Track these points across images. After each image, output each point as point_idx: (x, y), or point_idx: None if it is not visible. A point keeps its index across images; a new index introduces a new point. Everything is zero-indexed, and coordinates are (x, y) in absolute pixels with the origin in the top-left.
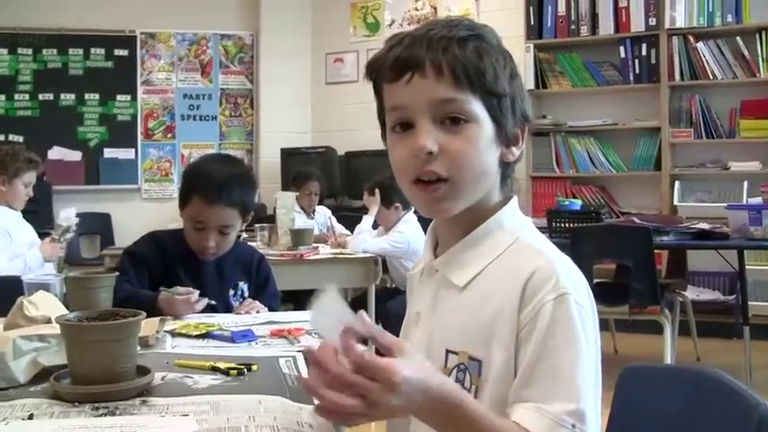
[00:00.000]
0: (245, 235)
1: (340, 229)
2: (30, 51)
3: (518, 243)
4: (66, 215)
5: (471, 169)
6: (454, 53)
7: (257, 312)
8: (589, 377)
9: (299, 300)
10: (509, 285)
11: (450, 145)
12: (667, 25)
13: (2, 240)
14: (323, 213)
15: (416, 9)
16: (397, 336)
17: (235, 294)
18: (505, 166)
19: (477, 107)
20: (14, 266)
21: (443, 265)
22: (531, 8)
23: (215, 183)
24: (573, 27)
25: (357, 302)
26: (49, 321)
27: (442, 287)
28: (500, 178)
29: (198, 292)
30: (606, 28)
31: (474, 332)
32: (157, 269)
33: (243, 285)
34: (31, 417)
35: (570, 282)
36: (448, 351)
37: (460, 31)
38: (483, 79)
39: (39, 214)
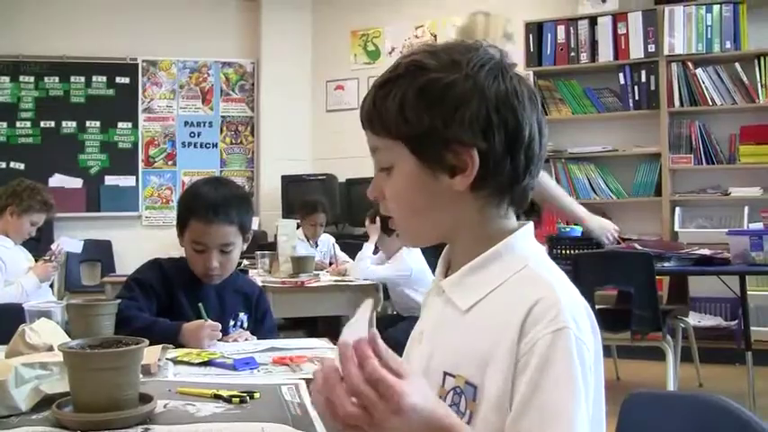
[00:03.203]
0: (245, 262)
1: (342, 256)
2: (32, 79)
3: (526, 270)
4: (67, 242)
5: (401, 209)
6: (368, 104)
7: (245, 340)
8: (582, 415)
9: (304, 327)
10: (510, 314)
11: (386, 191)
12: (666, 52)
13: None
14: (326, 241)
15: (416, 37)
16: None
17: (234, 325)
18: (491, 190)
19: (397, 150)
20: (10, 292)
21: (450, 287)
22: (531, 36)
23: (210, 203)
24: (572, 54)
25: None
26: (50, 349)
27: (446, 308)
28: (487, 204)
29: (219, 325)
30: (605, 55)
31: (472, 357)
32: (163, 296)
33: (243, 316)
34: None
35: (572, 315)
36: (446, 373)
37: (386, 75)
38: (390, 123)
39: (40, 242)
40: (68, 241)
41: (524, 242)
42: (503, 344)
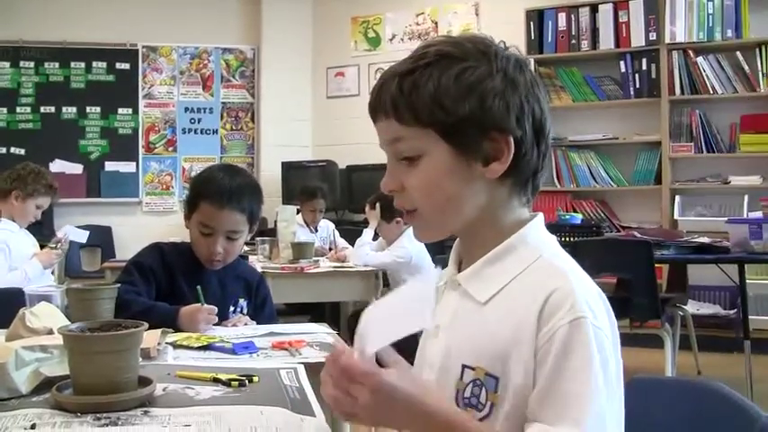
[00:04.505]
0: (246, 248)
1: (342, 243)
2: (32, 65)
3: (540, 261)
4: (73, 231)
5: (432, 201)
6: (394, 92)
7: (245, 325)
8: (601, 403)
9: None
10: (528, 304)
11: (408, 181)
12: (667, 40)
13: (0, 253)
14: (326, 227)
15: (417, 24)
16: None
17: (234, 311)
18: (515, 178)
19: (427, 139)
20: (14, 278)
21: (466, 280)
22: (532, 23)
23: (225, 188)
24: (573, 42)
25: (357, 316)
26: (50, 332)
27: (463, 301)
28: (511, 193)
29: (216, 309)
30: (607, 43)
31: (492, 349)
32: (162, 280)
33: (243, 302)
34: (33, 427)
35: (588, 303)
36: (464, 366)
37: (412, 63)
38: (425, 112)
39: (40, 226)
40: (74, 230)
41: (537, 233)
42: (523, 335)
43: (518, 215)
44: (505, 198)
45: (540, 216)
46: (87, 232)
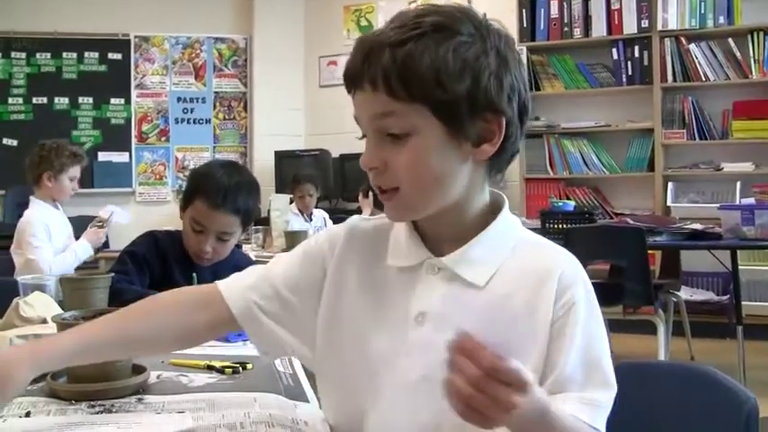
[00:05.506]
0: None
1: None
2: (23, 55)
3: (523, 239)
4: (117, 213)
5: (419, 181)
6: (386, 63)
7: None
8: (609, 355)
9: None
10: (536, 280)
11: (395, 160)
12: (659, 27)
13: (43, 235)
14: (320, 216)
15: None
16: None
17: None
18: (495, 159)
19: (418, 116)
20: (65, 261)
21: (455, 264)
22: (524, 10)
23: (221, 188)
24: (566, 29)
25: None
26: (44, 321)
27: (453, 286)
28: (486, 174)
29: None
30: (599, 30)
31: (498, 330)
32: (156, 269)
33: None
34: (28, 414)
35: (583, 271)
36: None
37: (404, 33)
38: (420, 87)
39: None
40: (119, 212)
41: (507, 212)
42: (532, 311)
43: (486, 196)
44: (482, 179)
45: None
46: (128, 214)
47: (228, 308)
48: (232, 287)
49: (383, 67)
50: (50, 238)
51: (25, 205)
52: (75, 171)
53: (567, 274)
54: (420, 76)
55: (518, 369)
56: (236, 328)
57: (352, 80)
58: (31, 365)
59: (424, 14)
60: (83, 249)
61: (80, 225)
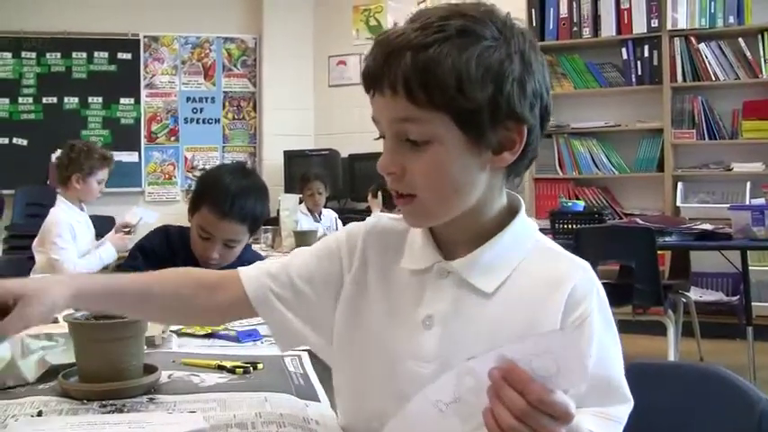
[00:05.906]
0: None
1: None
2: (33, 55)
3: (537, 246)
4: (144, 213)
5: (437, 190)
6: (407, 67)
7: None
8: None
9: None
10: (544, 291)
11: (413, 166)
12: (669, 26)
13: (69, 236)
14: (329, 216)
15: None
16: None
17: None
18: (514, 165)
19: (439, 124)
20: (89, 263)
21: (464, 269)
22: (534, 10)
23: (228, 196)
24: (575, 29)
25: None
26: (55, 321)
27: (462, 292)
28: (504, 180)
29: None
30: (608, 30)
31: (505, 340)
32: (166, 265)
33: None
34: (39, 414)
35: (599, 282)
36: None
37: (427, 36)
38: (441, 94)
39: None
40: (145, 212)
41: (524, 215)
42: (543, 322)
43: (503, 199)
44: (500, 184)
45: (521, 201)
46: (156, 213)
47: (244, 290)
48: (251, 272)
49: (404, 72)
50: (75, 239)
51: (35, 205)
52: (104, 174)
53: (580, 287)
54: (442, 83)
55: (564, 403)
56: (250, 312)
57: (372, 81)
58: (69, 287)
59: (449, 17)
60: (108, 254)
61: (93, 225)
